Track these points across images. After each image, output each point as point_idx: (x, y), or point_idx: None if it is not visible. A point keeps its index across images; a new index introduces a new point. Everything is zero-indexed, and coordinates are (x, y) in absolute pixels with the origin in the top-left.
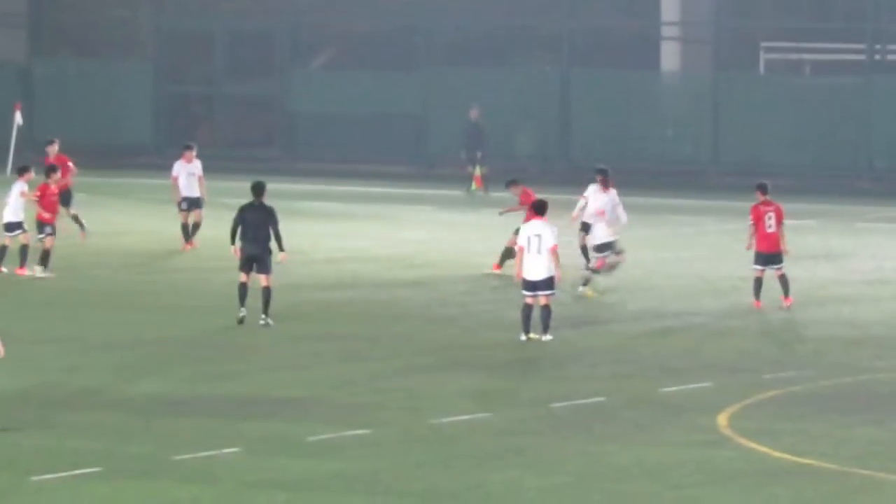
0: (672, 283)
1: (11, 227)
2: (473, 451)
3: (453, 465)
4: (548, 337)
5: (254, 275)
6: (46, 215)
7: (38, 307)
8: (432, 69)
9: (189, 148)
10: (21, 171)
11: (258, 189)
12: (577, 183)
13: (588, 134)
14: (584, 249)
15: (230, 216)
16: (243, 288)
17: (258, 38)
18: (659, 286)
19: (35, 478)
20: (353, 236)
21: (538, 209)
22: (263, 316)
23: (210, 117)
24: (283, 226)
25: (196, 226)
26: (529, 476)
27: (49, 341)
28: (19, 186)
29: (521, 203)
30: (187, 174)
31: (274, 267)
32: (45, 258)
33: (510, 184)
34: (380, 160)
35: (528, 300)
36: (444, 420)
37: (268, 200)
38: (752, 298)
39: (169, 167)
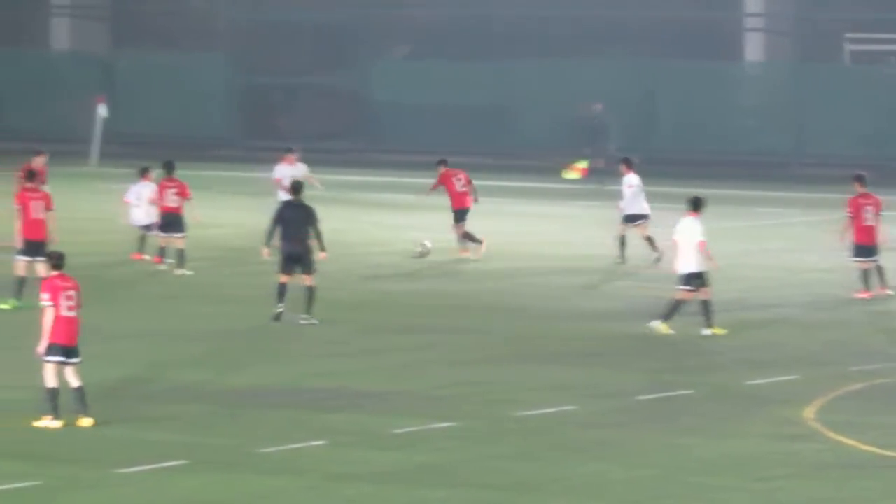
0: (757, 275)
1: (149, 227)
2: (558, 443)
3: (538, 457)
4: (655, 323)
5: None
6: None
7: (121, 302)
8: (515, 60)
9: (290, 151)
10: (143, 172)
11: (297, 188)
12: (662, 174)
13: (672, 125)
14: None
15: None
16: (283, 287)
17: (338, 29)
18: (744, 278)
19: (121, 470)
20: (434, 228)
21: (692, 205)
22: (306, 315)
23: (290, 109)
24: (366, 216)
25: None
26: (614, 469)
27: (132, 335)
28: (146, 189)
29: (440, 183)
30: (291, 177)
31: (343, 260)
32: (182, 257)
33: (438, 163)
34: (461, 151)
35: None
36: (529, 413)
37: (348, 192)
38: (838, 290)
39: (248, 159)
